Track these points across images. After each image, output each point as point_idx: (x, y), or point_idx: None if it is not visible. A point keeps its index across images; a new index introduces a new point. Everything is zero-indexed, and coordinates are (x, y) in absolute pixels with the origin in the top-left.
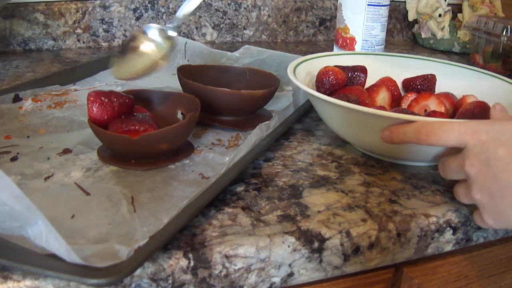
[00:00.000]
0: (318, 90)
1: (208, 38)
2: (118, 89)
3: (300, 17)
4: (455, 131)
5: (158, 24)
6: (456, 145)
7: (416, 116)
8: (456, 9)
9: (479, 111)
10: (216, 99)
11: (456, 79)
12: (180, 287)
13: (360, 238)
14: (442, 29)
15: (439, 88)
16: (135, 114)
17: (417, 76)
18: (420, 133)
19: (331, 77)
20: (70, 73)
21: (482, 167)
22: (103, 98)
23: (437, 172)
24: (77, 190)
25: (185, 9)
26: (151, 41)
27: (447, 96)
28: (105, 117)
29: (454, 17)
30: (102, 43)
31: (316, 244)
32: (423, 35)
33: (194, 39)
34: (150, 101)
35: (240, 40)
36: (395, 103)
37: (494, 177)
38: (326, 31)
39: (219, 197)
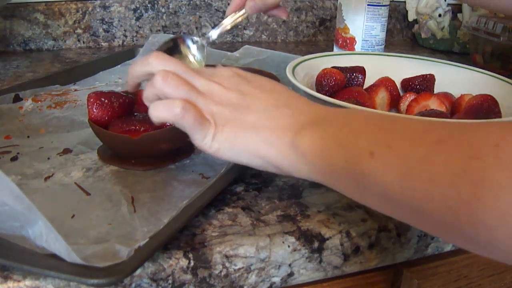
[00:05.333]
0: (317, 92)
1: None
2: (118, 89)
3: (300, 17)
4: None
5: (188, 34)
6: None
7: (414, 116)
8: (456, 9)
9: (487, 105)
10: None
11: (456, 79)
12: (180, 287)
13: (360, 238)
14: (442, 29)
15: (438, 88)
16: (135, 114)
17: (416, 76)
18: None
19: (330, 79)
20: (70, 73)
21: None
22: (103, 99)
23: None
24: (77, 190)
25: (220, 30)
26: (191, 53)
27: (446, 95)
28: (106, 118)
29: (454, 17)
30: (102, 43)
31: (316, 244)
32: (423, 35)
33: None
34: None
35: (240, 40)
36: (394, 103)
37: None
38: (326, 31)
39: (219, 197)
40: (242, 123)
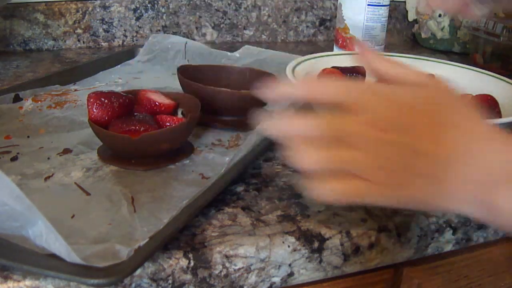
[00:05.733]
0: None
1: (208, 38)
2: (118, 89)
3: (300, 17)
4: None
5: None
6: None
7: None
8: None
9: (487, 105)
10: (216, 99)
11: (456, 79)
12: (180, 287)
13: (360, 238)
14: (442, 29)
15: None
16: (135, 114)
17: None
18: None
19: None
20: (70, 73)
21: None
22: (103, 99)
23: None
24: (77, 190)
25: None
26: None
27: None
28: (106, 118)
29: (454, 17)
30: (102, 43)
31: (316, 244)
32: (423, 35)
33: (194, 39)
34: None
35: (240, 40)
36: None
37: None
38: (326, 31)
39: (219, 197)
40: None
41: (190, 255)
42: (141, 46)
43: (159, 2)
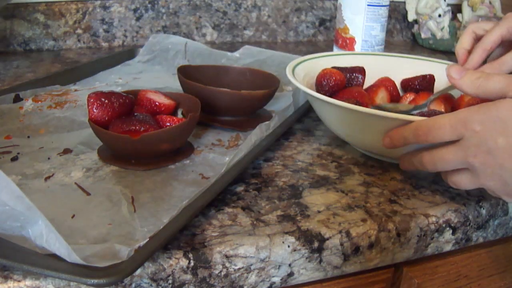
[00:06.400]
0: (317, 92)
1: (208, 38)
2: (118, 89)
3: (300, 17)
4: (447, 125)
5: None
6: (453, 138)
7: (413, 116)
8: (456, 9)
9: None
10: (216, 99)
11: None
12: (180, 287)
13: (360, 238)
14: (442, 29)
15: (438, 88)
16: (135, 114)
17: (416, 77)
18: (418, 134)
19: (330, 79)
20: (70, 73)
21: (487, 157)
22: (103, 99)
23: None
24: (77, 190)
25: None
26: None
27: (445, 96)
28: (106, 118)
29: (453, 17)
30: (102, 43)
31: (316, 244)
32: (423, 36)
33: (194, 39)
34: None
35: (240, 40)
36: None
37: (501, 166)
38: (326, 31)
39: (219, 197)
40: None
41: (190, 255)
42: (141, 46)
43: (159, 2)
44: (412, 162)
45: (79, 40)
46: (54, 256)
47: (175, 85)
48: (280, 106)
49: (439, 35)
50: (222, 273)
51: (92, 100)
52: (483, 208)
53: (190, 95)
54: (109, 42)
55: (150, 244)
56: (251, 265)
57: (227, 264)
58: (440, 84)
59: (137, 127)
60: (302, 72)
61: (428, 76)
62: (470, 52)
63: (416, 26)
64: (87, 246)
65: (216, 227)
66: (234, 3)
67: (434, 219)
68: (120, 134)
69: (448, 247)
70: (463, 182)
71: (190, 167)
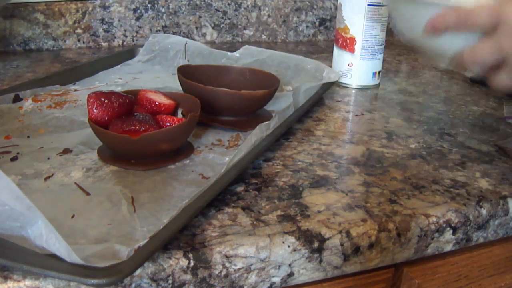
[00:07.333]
0: None
1: (208, 38)
2: (118, 89)
3: (300, 17)
4: (485, 9)
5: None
6: (487, 23)
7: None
8: None
9: None
10: (216, 99)
11: None
12: (180, 287)
13: (360, 238)
14: None
15: None
16: (135, 114)
17: None
18: (459, 17)
19: None
20: (70, 73)
21: None
22: (103, 99)
23: (437, 172)
24: (77, 190)
25: None
26: None
27: None
28: (106, 118)
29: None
30: (102, 43)
31: (316, 244)
32: None
33: (194, 39)
34: None
35: (240, 40)
36: None
37: None
38: (326, 31)
39: (219, 197)
40: None
41: (190, 255)
42: (141, 46)
43: (159, 2)
44: (458, 60)
45: (79, 40)
46: (54, 256)
47: (175, 85)
48: (280, 106)
49: None
50: (222, 273)
51: (92, 100)
52: (484, 208)
53: (190, 95)
54: (109, 42)
55: (150, 244)
56: (251, 265)
57: (227, 264)
58: None
59: (137, 127)
60: None
61: None
62: None
63: None
64: (87, 246)
65: (216, 227)
66: (234, 3)
67: (434, 219)
68: (120, 134)
69: (448, 247)
70: (503, 80)
71: (190, 167)
